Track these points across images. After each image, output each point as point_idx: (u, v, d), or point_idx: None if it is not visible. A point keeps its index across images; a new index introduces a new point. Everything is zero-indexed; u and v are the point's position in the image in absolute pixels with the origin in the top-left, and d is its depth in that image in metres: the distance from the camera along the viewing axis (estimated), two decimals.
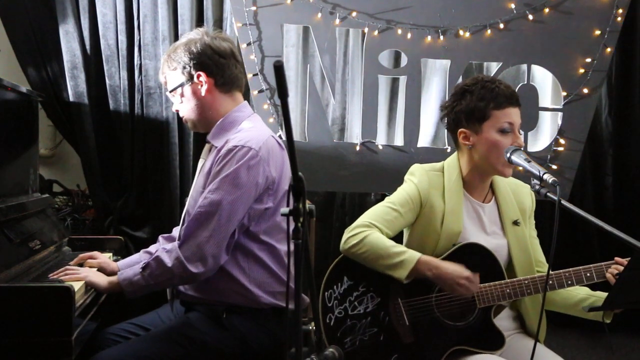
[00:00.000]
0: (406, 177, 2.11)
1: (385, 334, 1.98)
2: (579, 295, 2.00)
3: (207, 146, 2.09)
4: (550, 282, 1.91)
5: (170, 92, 2.06)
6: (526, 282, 1.93)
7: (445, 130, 3.02)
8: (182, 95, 2.03)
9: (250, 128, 1.99)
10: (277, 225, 1.96)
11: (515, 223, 2.05)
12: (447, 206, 2.00)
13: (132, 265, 1.99)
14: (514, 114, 1.97)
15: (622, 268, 1.86)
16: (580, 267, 1.92)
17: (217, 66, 2.00)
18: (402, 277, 1.89)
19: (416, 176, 2.06)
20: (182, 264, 1.84)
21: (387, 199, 2.06)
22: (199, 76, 1.99)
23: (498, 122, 1.95)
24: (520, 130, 2.03)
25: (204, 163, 2.04)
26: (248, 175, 1.86)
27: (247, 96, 3.12)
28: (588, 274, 1.91)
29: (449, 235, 1.99)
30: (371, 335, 1.98)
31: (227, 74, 2.02)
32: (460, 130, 2.01)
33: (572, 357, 3.14)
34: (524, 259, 2.03)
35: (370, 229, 1.96)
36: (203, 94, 2.00)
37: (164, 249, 1.90)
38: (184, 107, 2.04)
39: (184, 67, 1.99)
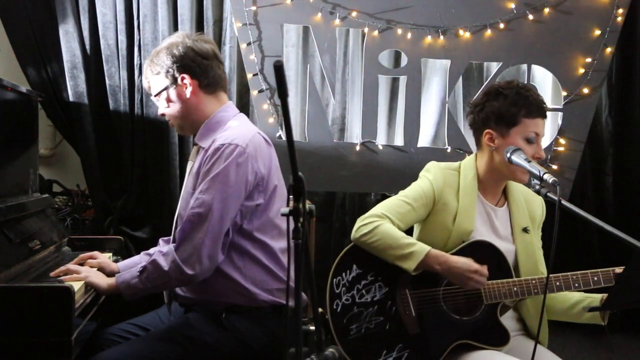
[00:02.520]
0: (422, 173, 2.12)
1: (391, 323, 2.00)
2: (574, 298, 2.01)
3: (194, 148, 2.09)
4: (557, 283, 1.93)
5: (155, 96, 2.06)
6: (533, 281, 1.95)
7: (446, 130, 3.03)
8: (167, 99, 2.03)
9: (237, 126, 2.00)
10: (270, 222, 1.97)
11: (525, 230, 2.06)
12: (460, 205, 2.01)
13: (132, 266, 1.98)
14: (541, 125, 1.99)
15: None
16: (588, 270, 1.93)
17: (201, 68, 2.00)
18: (410, 269, 1.91)
19: (432, 173, 2.07)
20: (179, 267, 1.84)
21: (401, 192, 2.08)
22: (183, 78, 1.99)
23: (526, 130, 1.96)
24: None
25: (193, 165, 2.04)
26: (237, 172, 1.87)
27: (247, 96, 3.12)
28: (595, 278, 1.92)
29: (460, 234, 2.00)
30: (377, 324, 1.99)
31: (210, 75, 2.02)
32: (486, 130, 2.01)
33: (573, 357, 3.14)
34: (530, 267, 2.04)
35: (383, 220, 1.98)
36: (188, 96, 2.00)
37: (161, 252, 1.90)
38: (170, 110, 2.05)
39: (167, 71, 2.00)
